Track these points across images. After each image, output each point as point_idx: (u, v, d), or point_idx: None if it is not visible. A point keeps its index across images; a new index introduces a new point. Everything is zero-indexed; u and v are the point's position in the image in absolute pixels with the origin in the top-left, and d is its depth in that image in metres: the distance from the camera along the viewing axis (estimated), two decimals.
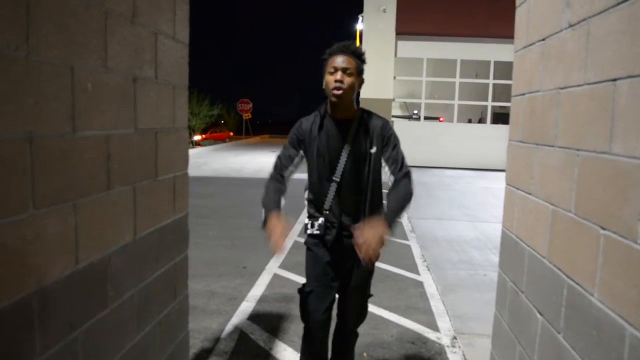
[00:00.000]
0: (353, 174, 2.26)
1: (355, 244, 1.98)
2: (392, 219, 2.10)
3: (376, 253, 1.97)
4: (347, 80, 2.19)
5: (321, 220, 2.28)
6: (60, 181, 1.35)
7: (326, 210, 2.28)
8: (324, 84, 2.24)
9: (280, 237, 2.00)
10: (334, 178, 2.25)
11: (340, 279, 2.35)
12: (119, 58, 1.63)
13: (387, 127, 2.31)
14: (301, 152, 2.34)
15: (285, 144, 2.38)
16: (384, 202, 2.25)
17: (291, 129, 2.38)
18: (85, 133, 1.45)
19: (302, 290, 2.36)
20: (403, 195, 2.19)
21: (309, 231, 2.31)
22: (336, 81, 2.18)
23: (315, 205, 2.33)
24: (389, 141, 2.29)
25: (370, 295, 2.50)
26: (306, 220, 2.35)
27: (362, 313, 2.51)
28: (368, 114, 2.33)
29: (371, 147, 2.26)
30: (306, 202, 2.40)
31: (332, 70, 2.20)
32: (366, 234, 1.97)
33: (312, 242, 2.35)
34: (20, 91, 1.18)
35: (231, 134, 34.29)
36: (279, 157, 2.36)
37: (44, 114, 1.27)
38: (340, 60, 2.20)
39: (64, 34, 1.34)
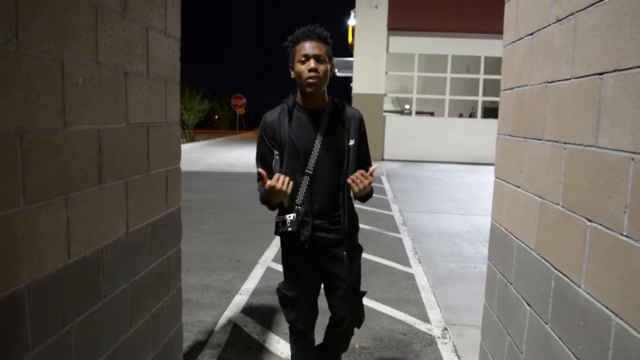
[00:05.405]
0: (328, 167, 2.12)
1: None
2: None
3: (365, 185, 1.99)
4: (321, 67, 2.04)
5: (292, 215, 2.11)
6: (51, 176, 1.35)
7: (298, 205, 2.11)
8: (294, 74, 2.09)
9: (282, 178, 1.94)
10: (306, 170, 2.10)
11: (322, 279, 2.27)
12: (109, 53, 1.63)
13: (362, 120, 2.21)
14: (276, 153, 2.14)
15: (258, 146, 2.20)
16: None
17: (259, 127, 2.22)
18: (77, 127, 1.46)
19: (283, 293, 2.25)
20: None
21: (281, 230, 2.13)
22: (310, 70, 2.03)
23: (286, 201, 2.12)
24: (363, 137, 2.21)
25: (364, 293, 2.34)
26: (277, 219, 2.16)
27: (357, 310, 2.31)
28: (341, 103, 2.20)
29: (349, 140, 2.14)
30: None
31: (303, 58, 2.04)
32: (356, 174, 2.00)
33: (287, 244, 2.21)
34: (10, 86, 1.18)
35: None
36: (258, 165, 2.17)
37: (35, 108, 1.27)
38: (309, 47, 2.04)
39: (54, 28, 1.34)
